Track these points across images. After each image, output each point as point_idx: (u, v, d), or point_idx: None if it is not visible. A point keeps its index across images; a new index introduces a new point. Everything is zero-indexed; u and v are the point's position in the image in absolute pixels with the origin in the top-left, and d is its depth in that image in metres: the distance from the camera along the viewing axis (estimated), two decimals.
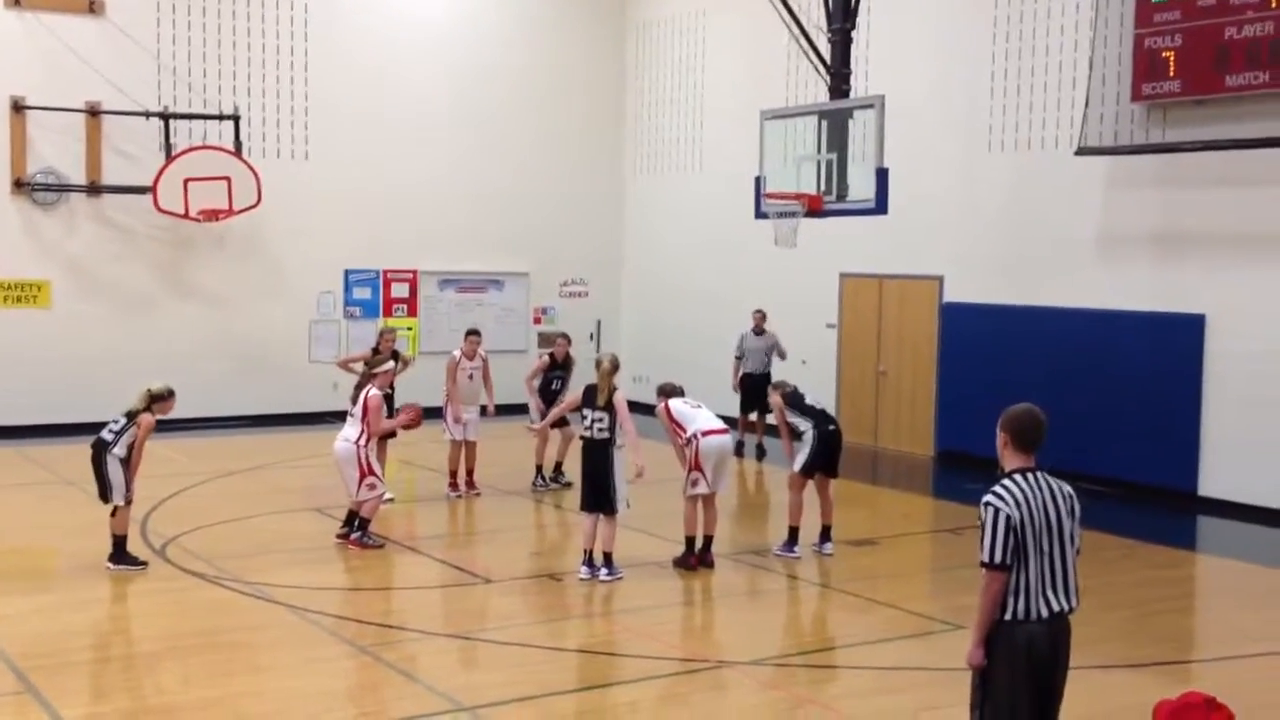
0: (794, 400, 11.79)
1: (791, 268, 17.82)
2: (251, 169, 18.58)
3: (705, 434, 11.01)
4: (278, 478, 15.22)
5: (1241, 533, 13.27)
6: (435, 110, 20.70)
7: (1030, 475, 5.51)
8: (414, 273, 20.82)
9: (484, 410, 14.26)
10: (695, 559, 11.07)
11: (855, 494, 14.36)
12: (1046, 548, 5.44)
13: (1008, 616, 5.42)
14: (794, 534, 11.61)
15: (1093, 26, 14.68)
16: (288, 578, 10.50)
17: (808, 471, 11.62)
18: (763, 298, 17.89)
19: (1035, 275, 15.87)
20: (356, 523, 11.67)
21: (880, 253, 17.59)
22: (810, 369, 17.85)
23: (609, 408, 10.54)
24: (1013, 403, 5.69)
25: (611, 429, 10.54)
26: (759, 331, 17.07)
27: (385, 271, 20.59)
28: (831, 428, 11.73)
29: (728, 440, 11.28)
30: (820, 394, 19.21)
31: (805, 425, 11.71)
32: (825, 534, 11.74)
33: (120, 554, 10.70)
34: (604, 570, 10.61)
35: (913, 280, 17.47)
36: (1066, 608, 5.50)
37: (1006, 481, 5.48)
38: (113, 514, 10.67)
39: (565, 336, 15.08)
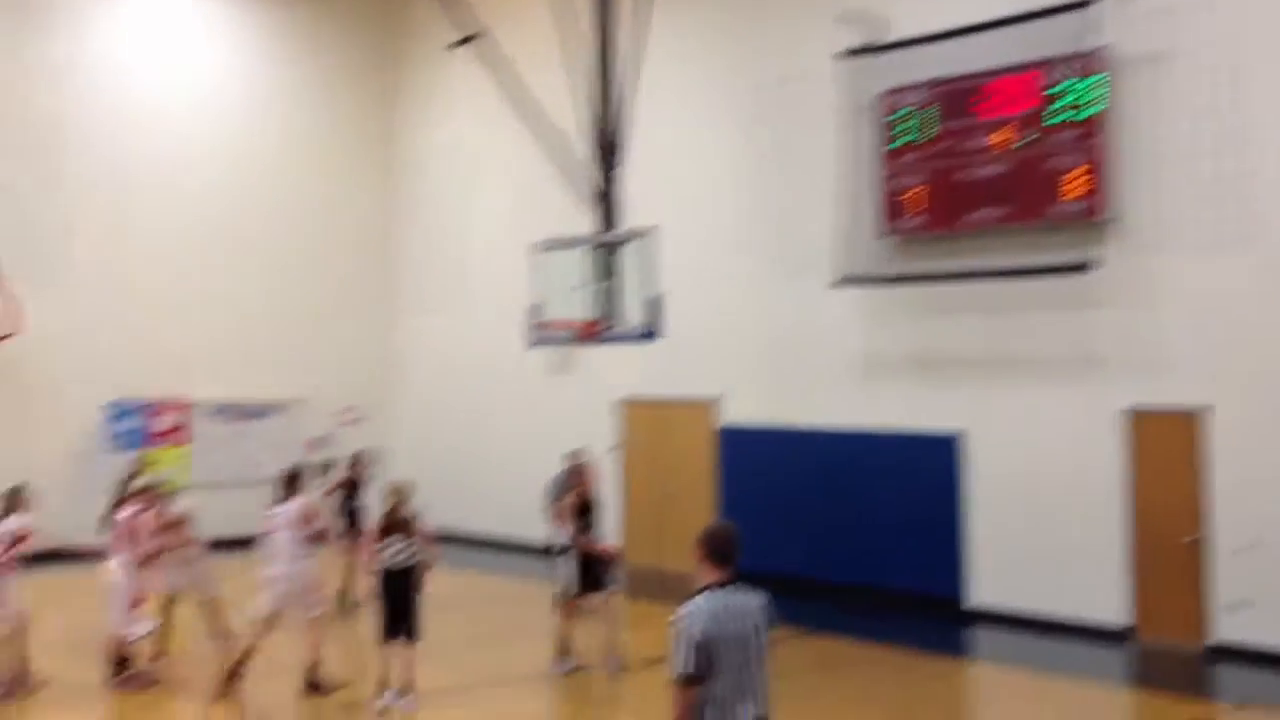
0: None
1: (571, 393, 18.07)
2: (11, 295, 17.85)
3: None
4: (38, 619, 14.33)
5: (1008, 641, 13.80)
6: (200, 236, 20.44)
7: (722, 589, 5.78)
8: (183, 402, 20.24)
9: None
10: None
11: (644, 614, 14.49)
12: (738, 658, 5.71)
13: None
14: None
15: (838, 165, 15.58)
16: None
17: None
18: (544, 424, 18.03)
19: (805, 397, 16.50)
20: (123, 661, 11.17)
21: (658, 376, 18.02)
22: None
23: (414, 535, 10.82)
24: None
25: (415, 555, 10.81)
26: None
27: (150, 401, 19.94)
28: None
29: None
30: (606, 517, 19.24)
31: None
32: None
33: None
34: (410, 696, 10.65)
35: (689, 404, 17.96)
36: (758, 714, 5.77)
37: (698, 598, 5.76)
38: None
39: None
